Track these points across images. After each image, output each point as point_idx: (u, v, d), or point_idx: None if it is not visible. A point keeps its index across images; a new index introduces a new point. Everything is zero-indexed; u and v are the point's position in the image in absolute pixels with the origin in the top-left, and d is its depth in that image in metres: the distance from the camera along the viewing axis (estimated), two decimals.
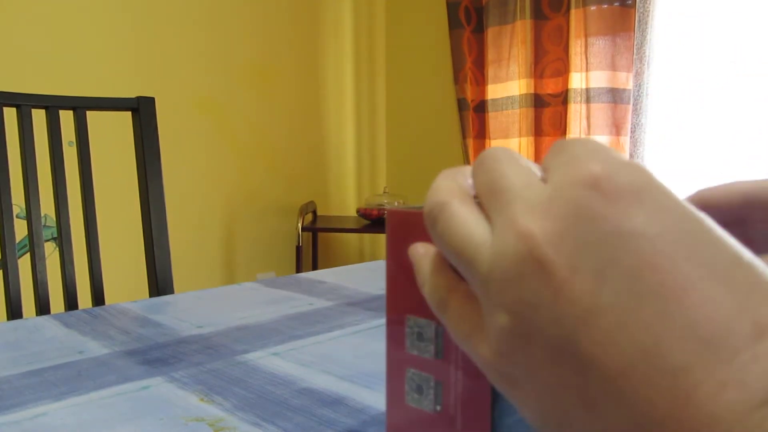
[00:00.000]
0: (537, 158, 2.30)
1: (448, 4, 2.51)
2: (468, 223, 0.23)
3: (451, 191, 0.24)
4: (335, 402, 0.41)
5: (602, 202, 0.19)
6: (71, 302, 0.98)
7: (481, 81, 2.50)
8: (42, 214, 0.94)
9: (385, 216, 0.32)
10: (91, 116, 1.91)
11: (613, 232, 0.18)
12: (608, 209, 0.19)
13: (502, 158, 0.23)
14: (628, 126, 2.14)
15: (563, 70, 2.25)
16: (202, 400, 0.42)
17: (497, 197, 0.22)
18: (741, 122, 1.96)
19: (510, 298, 0.20)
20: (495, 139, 2.42)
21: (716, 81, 2.00)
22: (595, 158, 0.20)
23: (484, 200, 0.23)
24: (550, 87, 2.30)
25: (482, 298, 0.22)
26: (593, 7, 2.12)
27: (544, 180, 0.22)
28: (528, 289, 0.19)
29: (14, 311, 0.92)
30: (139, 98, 1.05)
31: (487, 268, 0.21)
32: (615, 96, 2.15)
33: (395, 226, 0.30)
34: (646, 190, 0.19)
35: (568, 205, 0.19)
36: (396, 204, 2.44)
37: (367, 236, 3.04)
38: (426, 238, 0.28)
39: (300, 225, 2.35)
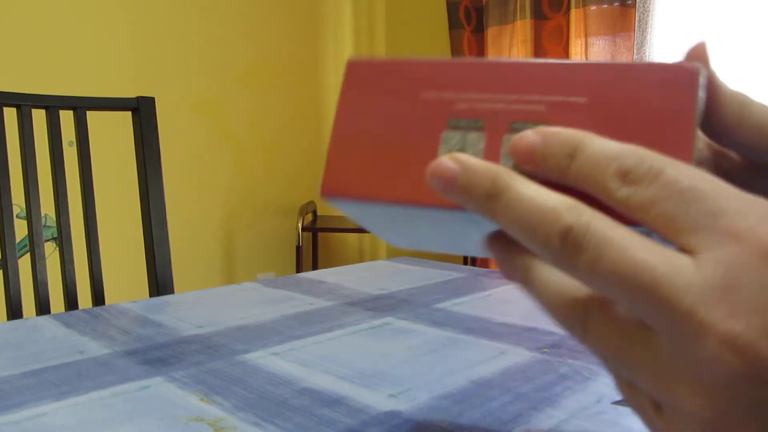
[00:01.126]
0: None
1: (448, 4, 2.51)
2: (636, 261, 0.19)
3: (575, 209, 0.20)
4: (335, 402, 0.41)
5: None
6: (71, 302, 0.98)
7: None
8: (42, 214, 0.94)
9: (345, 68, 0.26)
10: (91, 116, 1.91)
11: None
12: None
13: (609, 235, 0.19)
14: None
15: None
16: (202, 400, 0.42)
17: (649, 295, 0.18)
18: None
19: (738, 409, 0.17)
20: None
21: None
22: (751, 212, 0.18)
23: (618, 298, 0.19)
24: None
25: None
26: (593, 7, 2.13)
27: (689, 251, 0.19)
28: (759, 397, 0.17)
29: (14, 311, 0.92)
30: (139, 98, 1.05)
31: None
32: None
33: (357, 79, 0.26)
34: None
35: (762, 285, 0.17)
36: None
37: (367, 236, 3.04)
38: (394, 96, 0.25)
39: (300, 225, 2.35)
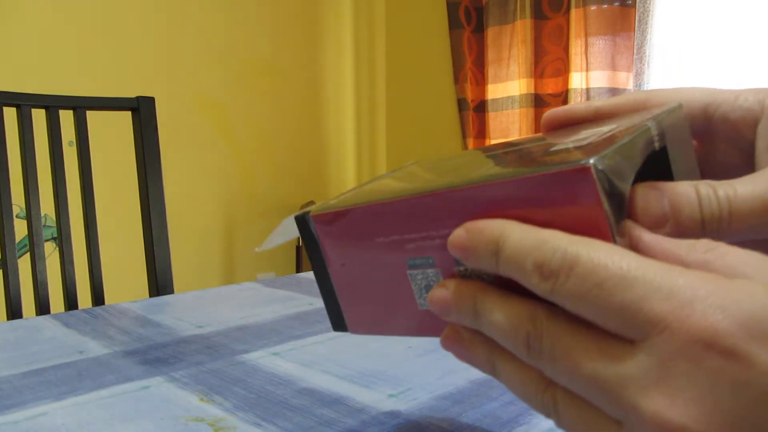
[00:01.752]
0: None
1: (448, 4, 2.51)
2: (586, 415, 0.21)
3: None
4: (335, 402, 0.41)
5: (731, 363, 0.17)
6: (71, 302, 0.98)
7: (481, 81, 2.50)
8: (42, 214, 0.94)
9: (303, 220, 0.31)
10: (91, 116, 1.91)
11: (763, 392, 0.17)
12: (745, 372, 0.17)
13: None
14: None
15: (563, 70, 2.25)
16: (202, 400, 0.42)
17: (598, 390, 0.19)
18: None
19: None
20: (495, 139, 2.42)
21: (716, 81, 2.00)
22: (674, 292, 0.18)
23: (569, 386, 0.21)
24: (551, 87, 2.30)
25: None
26: (593, 7, 2.12)
27: (627, 340, 0.19)
28: None
29: (14, 311, 0.92)
30: (139, 98, 1.05)
31: None
32: (615, 96, 2.15)
33: (325, 230, 0.29)
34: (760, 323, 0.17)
35: (694, 373, 0.17)
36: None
37: None
38: (357, 242, 0.28)
39: None
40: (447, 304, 0.25)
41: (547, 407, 0.22)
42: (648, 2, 2.10)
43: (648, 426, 0.18)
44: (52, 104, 1.00)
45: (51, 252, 1.99)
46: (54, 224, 2.04)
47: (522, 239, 0.21)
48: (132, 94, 1.12)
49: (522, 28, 2.31)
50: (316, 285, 0.79)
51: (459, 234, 0.23)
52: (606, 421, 0.20)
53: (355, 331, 0.31)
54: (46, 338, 0.56)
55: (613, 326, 0.19)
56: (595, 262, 0.19)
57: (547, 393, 0.22)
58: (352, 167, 2.96)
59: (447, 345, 0.26)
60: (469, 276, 0.25)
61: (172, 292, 1.05)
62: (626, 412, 0.19)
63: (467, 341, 0.25)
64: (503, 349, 0.23)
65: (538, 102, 2.32)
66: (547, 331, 0.21)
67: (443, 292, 0.25)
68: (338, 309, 0.32)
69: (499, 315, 0.22)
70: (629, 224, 0.22)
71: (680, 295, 0.18)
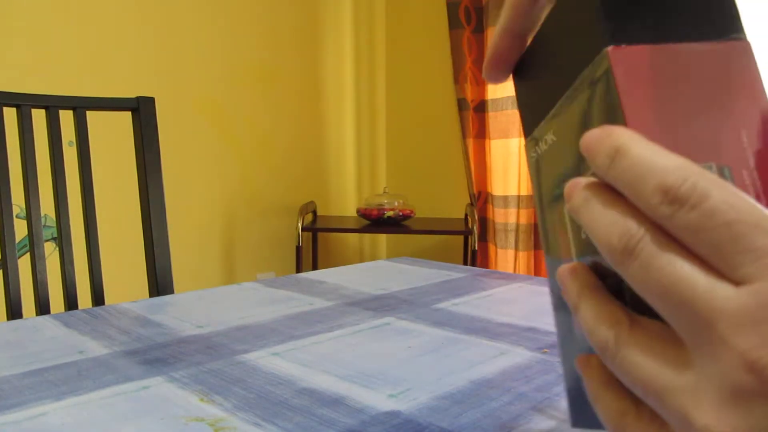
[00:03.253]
0: None
1: (448, 4, 2.51)
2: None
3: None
4: (335, 402, 0.41)
5: None
6: (71, 302, 0.98)
7: (481, 81, 2.50)
8: (42, 214, 0.94)
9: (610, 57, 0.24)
10: (91, 116, 1.91)
11: None
12: None
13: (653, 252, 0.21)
14: None
15: None
16: (202, 400, 0.42)
17: (687, 310, 0.19)
18: None
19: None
20: (495, 139, 2.42)
21: None
22: None
23: (664, 314, 0.20)
24: None
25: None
26: None
27: (732, 281, 0.19)
28: None
29: (14, 311, 0.92)
30: (139, 98, 1.05)
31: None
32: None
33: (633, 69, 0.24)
34: None
35: None
36: (397, 204, 2.44)
37: (367, 236, 3.04)
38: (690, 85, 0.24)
39: (300, 225, 2.35)
40: (569, 195, 0.24)
41: (607, 337, 0.22)
42: None
43: (731, 359, 0.18)
44: (52, 104, 1.00)
45: (51, 252, 1.99)
46: (54, 224, 2.04)
47: (646, 155, 0.21)
48: (132, 94, 1.12)
49: None
50: (316, 285, 0.79)
51: (593, 131, 0.23)
52: (674, 355, 0.20)
53: None
54: (46, 338, 0.56)
55: (728, 262, 0.19)
56: (727, 202, 0.19)
57: (616, 323, 0.22)
58: (352, 167, 2.96)
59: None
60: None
61: (172, 292, 1.05)
62: (711, 341, 0.19)
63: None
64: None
65: None
66: (647, 238, 0.21)
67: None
68: None
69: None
70: None
71: None
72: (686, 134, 0.23)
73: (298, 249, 2.36)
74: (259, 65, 2.56)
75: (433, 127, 2.80)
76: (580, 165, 0.27)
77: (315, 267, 2.74)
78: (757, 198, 0.23)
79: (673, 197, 0.20)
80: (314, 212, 2.67)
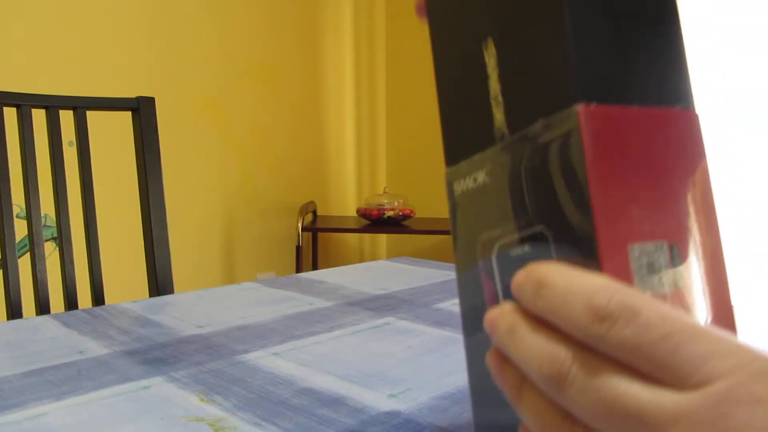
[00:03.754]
0: None
1: None
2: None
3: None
4: (335, 402, 0.41)
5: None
6: (71, 302, 0.98)
7: None
8: (42, 214, 0.94)
9: (578, 117, 0.22)
10: (91, 116, 1.91)
11: None
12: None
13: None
14: None
15: None
16: (202, 400, 0.42)
17: (636, 423, 0.19)
18: (742, 122, 1.96)
19: None
20: None
21: (716, 81, 2.00)
22: (730, 355, 0.19)
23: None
24: None
25: None
26: None
27: (676, 388, 0.19)
28: None
29: (14, 311, 0.92)
30: (139, 98, 1.05)
31: None
32: None
33: (599, 129, 0.23)
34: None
35: (750, 421, 0.18)
36: (397, 204, 2.44)
37: (367, 236, 3.04)
38: (641, 142, 0.23)
39: (300, 225, 2.35)
40: (493, 325, 0.24)
41: None
42: None
43: None
44: (52, 104, 1.00)
45: (51, 252, 2.00)
46: (54, 224, 2.04)
47: (573, 279, 0.21)
48: (132, 94, 1.12)
49: None
50: (316, 285, 0.79)
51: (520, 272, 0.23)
52: None
53: None
54: (46, 338, 0.56)
55: (671, 373, 0.19)
56: (658, 316, 0.19)
57: (564, 426, 0.21)
58: (352, 167, 2.96)
59: (489, 359, 0.25)
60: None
61: (172, 292, 1.05)
62: None
63: (504, 360, 0.25)
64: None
65: None
66: (578, 363, 0.20)
67: (495, 313, 0.24)
68: None
69: (531, 343, 0.22)
70: None
71: (734, 356, 0.19)
72: (641, 207, 0.23)
73: (298, 249, 2.36)
74: (259, 65, 2.56)
75: (433, 127, 2.80)
76: (509, 220, 0.27)
77: (315, 267, 2.74)
78: (705, 275, 0.23)
79: (603, 315, 0.20)
80: (314, 212, 2.67)
